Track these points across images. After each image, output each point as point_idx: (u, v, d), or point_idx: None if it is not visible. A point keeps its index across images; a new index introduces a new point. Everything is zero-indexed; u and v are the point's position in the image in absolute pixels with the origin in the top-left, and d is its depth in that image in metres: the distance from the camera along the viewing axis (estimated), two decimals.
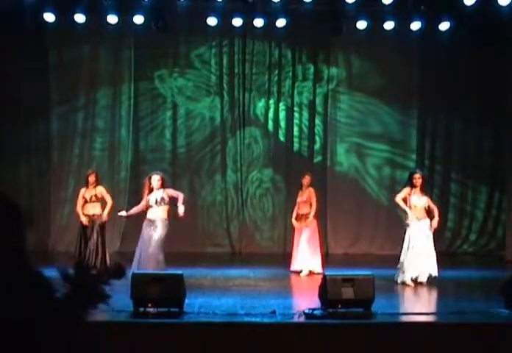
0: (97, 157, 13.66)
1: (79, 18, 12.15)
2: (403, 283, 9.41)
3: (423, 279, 9.44)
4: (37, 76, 13.22)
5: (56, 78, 13.47)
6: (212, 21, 12.47)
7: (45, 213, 13.32)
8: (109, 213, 10.27)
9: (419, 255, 9.43)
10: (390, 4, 11.76)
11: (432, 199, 10.14)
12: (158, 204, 9.33)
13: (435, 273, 9.47)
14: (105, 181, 10.90)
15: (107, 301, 2.48)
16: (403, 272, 9.49)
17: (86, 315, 2.43)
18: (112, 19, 12.28)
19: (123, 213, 9.82)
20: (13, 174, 13.47)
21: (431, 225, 9.60)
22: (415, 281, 9.42)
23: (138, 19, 12.27)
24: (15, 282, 2.34)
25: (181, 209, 9.29)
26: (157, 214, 9.32)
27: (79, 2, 12.02)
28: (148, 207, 9.40)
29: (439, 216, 9.77)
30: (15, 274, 2.36)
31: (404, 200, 9.69)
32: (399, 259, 9.61)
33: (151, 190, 9.43)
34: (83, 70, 13.56)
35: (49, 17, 12.19)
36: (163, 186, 9.45)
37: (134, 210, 9.69)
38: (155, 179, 9.43)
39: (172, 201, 9.51)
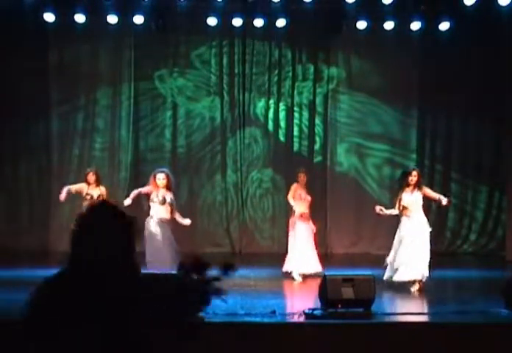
0: (97, 157, 13.66)
1: (79, 18, 12.16)
2: (388, 281, 9.07)
3: (412, 281, 9.04)
4: (37, 76, 13.22)
5: (56, 78, 13.47)
6: (212, 21, 12.48)
7: (46, 213, 13.32)
8: None
9: (409, 257, 9.05)
10: (390, 4, 11.79)
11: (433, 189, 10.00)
12: (168, 204, 9.28)
13: (426, 274, 9.04)
14: (105, 181, 10.88)
15: (222, 295, 2.50)
16: (393, 270, 9.13)
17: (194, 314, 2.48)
18: (112, 19, 12.30)
19: (128, 202, 9.65)
20: (13, 174, 13.48)
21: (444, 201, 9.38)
22: (406, 282, 9.10)
23: (138, 19, 12.28)
24: (133, 283, 2.35)
25: (186, 221, 9.57)
26: (166, 214, 9.31)
27: (79, 2, 12.03)
28: (148, 198, 9.35)
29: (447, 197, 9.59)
30: (131, 276, 2.40)
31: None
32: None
33: (156, 187, 9.32)
34: (83, 70, 13.55)
35: (49, 17, 12.21)
36: (168, 185, 9.34)
37: (135, 193, 9.54)
38: (160, 178, 9.31)
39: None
